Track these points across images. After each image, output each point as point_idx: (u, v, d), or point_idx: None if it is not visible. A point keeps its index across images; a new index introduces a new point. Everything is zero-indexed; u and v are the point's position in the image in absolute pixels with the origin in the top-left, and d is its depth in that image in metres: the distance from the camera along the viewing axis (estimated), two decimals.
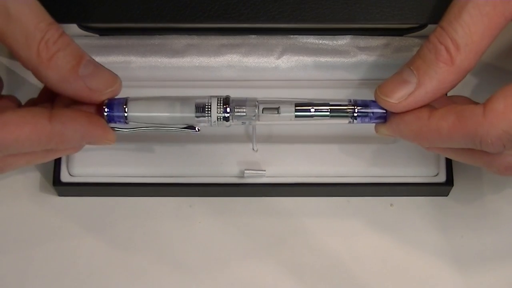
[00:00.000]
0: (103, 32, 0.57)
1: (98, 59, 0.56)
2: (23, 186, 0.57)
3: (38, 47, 0.46)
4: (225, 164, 0.56)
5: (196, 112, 0.49)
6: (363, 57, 0.57)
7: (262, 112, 0.50)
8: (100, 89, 0.48)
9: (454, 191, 0.57)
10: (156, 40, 0.57)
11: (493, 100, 0.46)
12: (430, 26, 0.54)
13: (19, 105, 0.51)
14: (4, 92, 0.51)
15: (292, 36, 0.57)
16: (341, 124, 0.50)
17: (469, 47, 0.46)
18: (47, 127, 0.47)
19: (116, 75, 0.49)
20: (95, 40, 0.57)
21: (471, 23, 0.46)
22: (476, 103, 0.50)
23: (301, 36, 0.57)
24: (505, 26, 0.47)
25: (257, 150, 0.56)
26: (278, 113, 0.50)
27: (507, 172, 0.49)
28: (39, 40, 0.46)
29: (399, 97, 0.47)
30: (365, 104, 0.49)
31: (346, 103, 0.50)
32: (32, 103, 0.51)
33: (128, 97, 0.50)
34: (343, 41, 0.57)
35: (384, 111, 0.49)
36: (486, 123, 0.45)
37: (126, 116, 0.49)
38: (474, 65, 0.47)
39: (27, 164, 0.50)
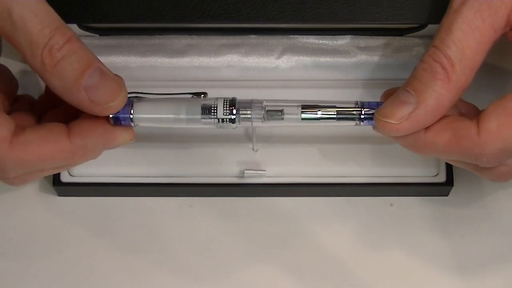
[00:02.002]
0: (103, 32, 0.57)
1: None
2: (23, 186, 0.57)
3: (41, 55, 0.44)
4: (225, 164, 0.56)
5: (202, 114, 0.49)
6: (363, 57, 0.57)
7: (267, 114, 0.50)
8: (101, 103, 0.46)
9: (454, 191, 0.57)
10: (156, 40, 0.57)
11: (485, 118, 0.46)
12: (430, 26, 0.54)
13: (33, 103, 0.52)
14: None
15: (292, 36, 0.57)
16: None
17: (463, 62, 0.46)
18: (67, 144, 0.47)
19: (122, 86, 0.47)
20: (95, 40, 0.57)
21: (463, 38, 0.46)
22: (470, 104, 0.50)
23: (301, 36, 0.57)
24: (495, 40, 0.47)
25: (257, 150, 0.56)
26: (282, 118, 0.50)
27: (501, 179, 0.50)
28: (42, 47, 0.44)
29: (400, 117, 0.46)
30: (371, 106, 0.49)
31: (353, 105, 0.49)
32: (43, 99, 0.52)
33: (134, 98, 0.50)
34: (343, 41, 0.57)
35: None
36: (481, 143, 0.45)
37: (131, 118, 0.49)
38: (470, 81, 0.47)
39: (42, 176, 0.50)
